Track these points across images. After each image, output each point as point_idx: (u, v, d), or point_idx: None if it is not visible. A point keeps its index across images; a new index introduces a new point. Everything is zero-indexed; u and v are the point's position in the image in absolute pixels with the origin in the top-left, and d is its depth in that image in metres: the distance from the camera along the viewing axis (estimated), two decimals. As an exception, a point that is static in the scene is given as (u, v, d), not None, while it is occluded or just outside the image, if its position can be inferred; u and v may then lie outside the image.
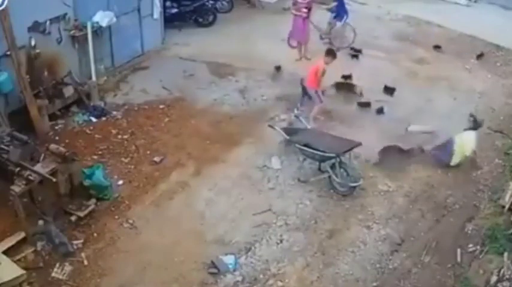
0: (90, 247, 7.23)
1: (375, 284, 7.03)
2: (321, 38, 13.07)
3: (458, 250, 7.51)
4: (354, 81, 11.32)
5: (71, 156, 7.43)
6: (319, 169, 8.76)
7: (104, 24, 10.46)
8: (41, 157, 7.83)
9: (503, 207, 8.07)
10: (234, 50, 12.52)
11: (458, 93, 11.50)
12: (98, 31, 10.54)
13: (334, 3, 12.94)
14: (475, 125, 8.77)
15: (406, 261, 7.38)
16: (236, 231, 7.66)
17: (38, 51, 9.21)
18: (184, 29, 13.63)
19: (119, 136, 9.45)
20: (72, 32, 10.03)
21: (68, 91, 9.81)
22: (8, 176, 7.07)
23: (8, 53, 8.53)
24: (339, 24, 12.93)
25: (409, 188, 8.65)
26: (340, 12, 12.89)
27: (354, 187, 8.29)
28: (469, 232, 7.87)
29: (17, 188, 6.86)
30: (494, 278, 6.80)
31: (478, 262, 7.24)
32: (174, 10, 13.61)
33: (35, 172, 7.02)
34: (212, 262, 7.07)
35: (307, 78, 9.89)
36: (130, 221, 7.68)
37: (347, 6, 13.26)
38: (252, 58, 12.17)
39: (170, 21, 13.32)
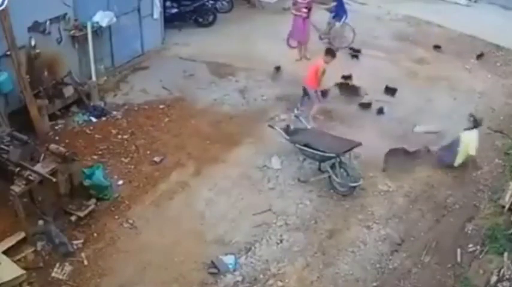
0: (90, 247, 7.23)
1: (374, 284, 7.04)
2: (320, 38, 13.07)
3: (458, 250, 7.51)
4: (354, 81, 11.31)
5: (71, 156, 7.43)
6: (319, 169, 8.76)
7: (104, 24, 10.46)
8: (41, 157, 7.83)
9: (503, 207, 8.07)
10: (234, 50, 12.52)
11: (458, 93, 11.50)
12: (98, 31, 10.53)
13: (333, 3, 12.94)
14: (475, 124, 8.76)
15: (406, 261, 7.38)
16: (236, 231, 7.66)
17: (38, 51, 9.21)
18: (184, 29, 13.63)
19: (119, 136, 9.45)
20: (72, 32, 10.03)
21: (68, 91, 9.81)
22: (8, 176, 7.07)
23: (8, 53, 8.53)
24: (338, 24, 12.93)
25: (409, 188, 8.65)
26: (339, 12, 12.89)
27: (354, 187, 8.29)
28: (469, 232, 7.87)
29: (17, 188, 6.86)
30: (494, 278, 6.80)
31: (478, 262, 7.25)
32: (174, 10, 13.60)
33: (35, 172, 7.02)
34: (212, 262, 7.07)
35: (307, 78, 9.89)
36: (131, 221, 7.68)
37: (346, 6, 13.26)
38: (252, 58, 12.17)
39: (170, 21, 13.32)
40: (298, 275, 7.05)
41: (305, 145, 8.44)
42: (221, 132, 9.74)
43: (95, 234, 7.44)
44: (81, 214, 7.48)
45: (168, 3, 13.37)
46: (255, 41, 13.03)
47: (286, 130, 9.02)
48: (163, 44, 12.75)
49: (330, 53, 9.72)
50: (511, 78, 12.29)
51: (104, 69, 11.02)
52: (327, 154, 8.25)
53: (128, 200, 8.06)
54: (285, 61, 12.07)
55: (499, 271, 6.86)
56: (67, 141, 9.11)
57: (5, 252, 6.75)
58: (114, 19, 10.66)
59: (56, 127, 9.57)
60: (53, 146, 7.60)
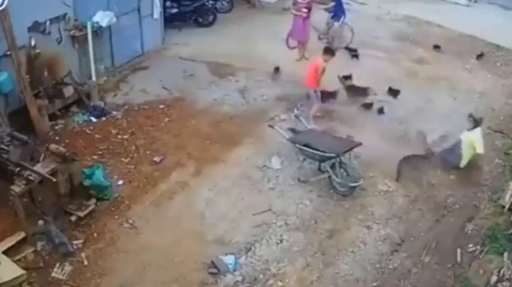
0: (90, 247, 7.23)
1: (374, 284, 7.04)
2: (319, 38, 13.06)
3: (458, 250, 7.52)
4: (354, 81, 11.30)
5: (71, 156, 7.43)
6: (319, 169, 8.76)
7: (104, 24, 10.46)
8: (41, 157, 7.83)
9: (503, 207, 8.08)
10: (234, 50, 12.52)
11: (458, 93, 11.49)
12: (98, 31, 10.53)
13: (332, 4, 12.94)
14: (475, 123, 8.76)
15: (406, 261, 7.38)
16: (236, 231, 7.66)
17: (38, 51, 9.21)
18: (184, 29, 13.62)
19: (119, 136, 9.45)
20: (72, 32, 10.03)
21: (68, 91, 9.81)
22: (8, 176, 7.07)
23: (8, 53, 8.53)
24: (336, 24, 12.93)
25: (409, 188, 8.64)
26: (337, 12, 12.89)
27: (354, 187, 8.29)
28: (469, 232, 7.88)
29: (17, 188, 6.86)
30: (494, 278, 6.81)
31: (478, 262, 7.25)
32: (174, 10, 13.60)
33: (35, 172, 7.02)
34: (212, 262, 7.07)
35: (307, 77, 9.88)
36: (131, 221, 7.68)
37: (345, 6, 13.27)
38: (252, 58, 12.16)
39: (170, 21, 13.32)
40: (298, 275, 7.05)
41: (305, 145, 8.44)
42: (221, 132, 9.74)
43: (95, 234, 7.44)
44: (81, 214, 7.48)
45: (168, 3, 13.37)
46: (255, 41, 13.02)
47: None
48: (163, 44, 12.75)
49: (329, 51, 9.73)
50: (511, 78, 12.28)
51: (104, 69, 11.02)
52: (327, 154, 8.25)
53: (128, 200, 8.06)
54: (285, 61, 12.06)
55: (499, 271, 6.86)
56: (67, 141, 9.11)
57: (5, 252, 6.75)
58: (114, 19, 10.66)
59: (56, 127, 9.57)
60: (53, 146, 7.60)
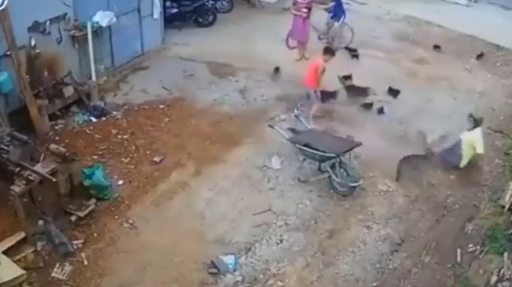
0: (90, 247, 7.23)
1: (374, 284, 7.04)
2: (319, 38, 13.06)
3: (458, 250, 7.52)
4: (354, 81, 11.30)
5: (71, 156, 7.43)
6: (319, 169, 8.76)
7: (104, 24, 10.46)
8: (41, 157, 7.83)
9: (503, 207, 8.08)
10: (234, 50, 12.52)
11: (458, 93, 11.49)
12: (98, 31, 10.53)
13: (332, 4, 12.94)
14: (475, 123, 8.76)
15: (406, 261, 7.38)
16: (236, 231, 7.66)
17: (38, 51, 9.21)
18: (184, 29, 13.62)
19: (119, 136, 9.45)
20: (72, 32, 10.03)
21: (68, 91, 9.81)
22: (8, 176, 7.07)
23: (8, 53, 8.53)
24: (336, 24, 12.93)
25: (409, 188, 8.64)
26: (337, 12, 12.89)
27: (354, 187, 8.29)
28: (469, 232, 7.88)
29: (17, 188, 6.86)
30: (494, 278, 6.81)
31: (478, 262, 7.25)
32: (174, 10, 13.60)
33: (35, 172, 7.02)
34: (212, 262, 7.07)
35: (307, 77, 9.88)
36: (131, 221, 7.68)
37: (345, 6, 13.28)
38: (252, 58, 12.16)
39: (170, 21, 13.32)
40: (298, 275, 7.05)
41: (305, 145, 8.44)
42: (221, 132, 9.74)
43: (95, 234, 7.44)
44: (81, 214, 7.48)
45: (168, 3, 13.37)
46: (255, 41, 13.02)
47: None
48: (163, 44, 12.75)
49: (329, 51, 9.73)
50: (511, 78, 12.28)
51: (104, 69, 11.02)
52: (327, 154, 8.25)
53: (128, 200, 8.06)
54: (285, 61, 12.06)
55: (499, 271, 6.86)
56: (67, 141, 9.11)
57: (5, 252, 6.75)
58: (114, 19, 10.66)
59: (56, 127, 9.57)
60: (53, 146, 7.60)
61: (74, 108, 10.04)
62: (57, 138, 9.20)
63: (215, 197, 8.25)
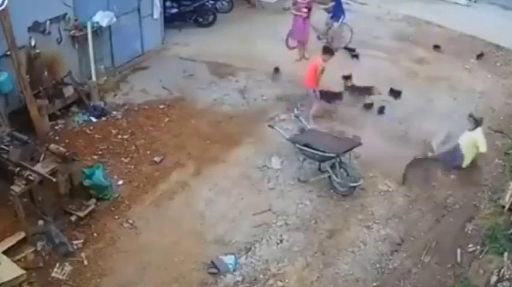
0: (90, 247, 7.23)
1: (374, 284, 7.04)
2: (319, 39, 13.07)
3: (458, 250, 7.51)
4: (354, 81, 11.30)
5: (71, 156, 7.43)
6: (319, 169, 8.75)
7: (104, 24, 10.46)
8: (41, 157, 7.83)
9: (503, 207, 8.07)
10: (234, 50, 12.52)
11: (458, 93, 11.49)
12: (98, 31, 10.53)
13: (332, 4, 12.95)
14: (476, 123, 8.76)
15: (406, 261, 7.38)
16: (236, 231, 7.66)
17: (38, 51, 9.21)
18: (184, 29, 13.62)
19: (119, 136, 9.45)
20: (72, 32, 10.03)
21: (68, 91, 9.81)
22: (8, 176, 7.07)
23: (8, 53, 8.53)
24: (336, 24, 12.94)
25: (409, 188, 8.64)
26: (337, 12, 12.90)
27: (354, 187, 8.29)
28: (469, 232, 7.87)
29: (17, 188, 6.86)
30: (494, 278, 6.81)
31: (478, 262, 7.25)
32: (174, 10, 13.60)
33: (35, 172, 7.01)
34: (212, 262, 7.07)
35: (306, 77, 9.88)
36: (131, 221, 7.68)
37: (345, 6, 13.28)
38: (252, 58, 12.16)
39: (170, 21, 13.32)
40: (298, 275, 7.05)
41: (305, 145, 8.44)
42: (221, 132, 9.74)
43: (95, 234, 7.44)
44: (81, 214, 7.48)
45: (168, 3, 13.37)
46: (255, 41, 13.02)
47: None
48: (163, 44, 12.75)
49: (328, 51, 9.73)
50: (511, 78, 12.28)
51: (104, 69, 11.02)
52: (327, 154, 8.25)
53: (128, 200, 8.06)
54: (285, 61, 12.06)
55: (499, 271, 6.86)
56: (67, 141, 9.11)
57: (5, 252, 6.75)
58: (114, 19, 10.66)
59: (56, 127, 9.57)
60: (53, 146, 7.60)
61: (74, 108, 10.04)
62: (57, 138, 9.20)
63: (215, 197, 8.24)
